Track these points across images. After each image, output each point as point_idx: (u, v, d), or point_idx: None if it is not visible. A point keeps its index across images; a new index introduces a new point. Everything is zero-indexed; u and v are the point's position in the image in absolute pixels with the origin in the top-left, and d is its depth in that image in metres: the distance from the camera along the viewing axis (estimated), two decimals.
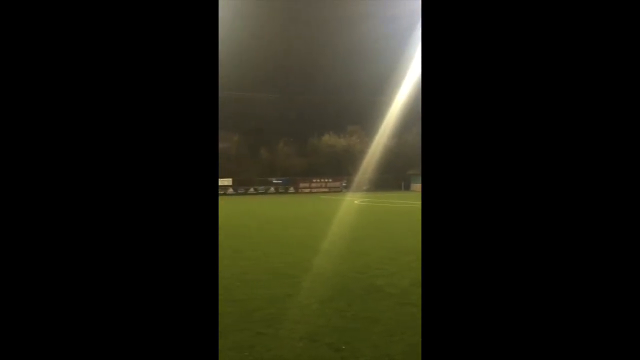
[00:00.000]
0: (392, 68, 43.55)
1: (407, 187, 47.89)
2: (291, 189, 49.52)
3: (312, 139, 58.69)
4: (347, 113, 58.47)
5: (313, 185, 50.55)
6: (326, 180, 51.35)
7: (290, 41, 62.01)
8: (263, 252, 7.98)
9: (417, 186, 43.62)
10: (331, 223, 13.40)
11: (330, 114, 58.85)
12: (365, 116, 52.03)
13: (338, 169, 53.21)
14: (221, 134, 52.29)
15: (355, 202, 26.41)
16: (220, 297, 4.83)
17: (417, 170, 42.61)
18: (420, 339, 1.72)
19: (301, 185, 50.07)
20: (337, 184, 51.22)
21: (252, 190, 48.53)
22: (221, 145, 52.20)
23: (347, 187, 49.57)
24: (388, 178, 50.09)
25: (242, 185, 48.54)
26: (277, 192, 48.94)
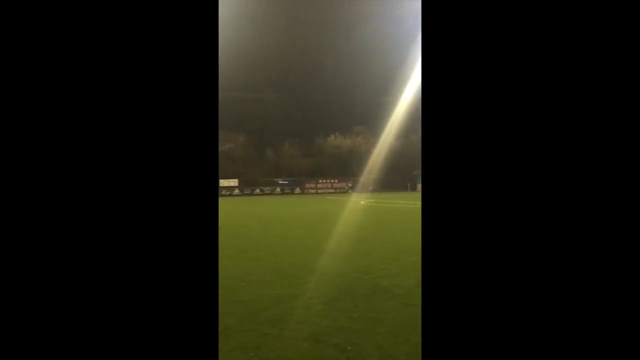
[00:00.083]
0: (398, 68, 43.47)
1: (414, 188, 47.76)
2: (297, 190, 49.55)
3: (318, 139, 58.68)
4: (353, 113, 58.41)
5: (319, 185, 50.53)
6: (332, 180, 51.32)
7: (296, 41, 62.03)
8: (268, 253, 7.99)
9: None
10: (336, 223, 13.40)
11: (336, 114, 58.80)
12: (371, 117, 51.95)
13: (344, 169, 53.18)
14: (227, 134, 52.48)
15: (361, 202, 26.39)
16: (225, 297, 4.86)
17: None
18: None
19: (307, 185, 50.08)
20: (343, 184, 51.19)
21: (257, 191, 48.60)
22: (227, 146, 52.35)
23: (352, 188, 49.53)
24: (394, 178, 49.99)
25: (248, 186, 48.63)
26: (282, 192, 48.99)
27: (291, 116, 58.78)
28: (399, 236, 10.16)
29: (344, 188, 50.59)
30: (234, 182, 47.96)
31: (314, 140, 58.54)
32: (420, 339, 3.34)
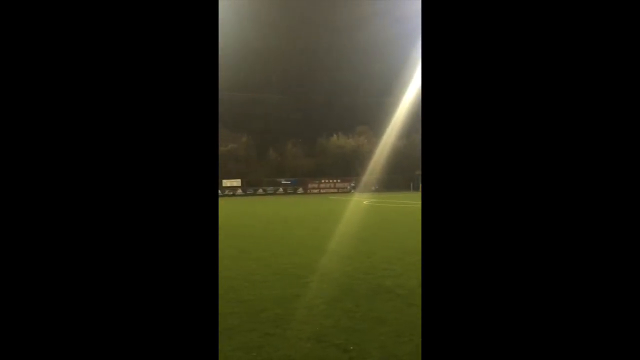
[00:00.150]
0: (401, 68, 43.45)
1: (416, 188, 47.74)
2: (300, 190, 49.59)
3: (320, 139, 58.73)
4: (355, 114, 58.44)
5: (322, 185, 50.57)
6: (335, 180, 51.36)
7: (299, 42, 62.11)
8: (271, 253, 7.99)
9: None
10: (339, 223, 13.40)
11: (338, 114, 58.86)
12: (373, 117, 51.98)
13: (347, 169, 53.21)
14: (230, 135, 52.59)
15: (364, 202, 26.39)
16: (228, 297, 4.86)
17: None
18: None
19: (310, 185, 50.12)
20: (345, 184, 51.21)
21: (260, 191, 48.66)
22: (230, 146, 52.46)
23: (355, 188, 49.55)
24: (397, 178, 49.99)
25: (251, 186, 48.70)
26: (285, 192, 49.04)
27: (294, 116, 58.88)
28: (401, 236, 10.15)
29: (347, 188, 50.60)
30: (237, 182, 48.03)
31: (316, 140, 58.59)
32: None
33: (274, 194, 48.53)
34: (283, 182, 50.50)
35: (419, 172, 47.98)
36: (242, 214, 19.06)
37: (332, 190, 50.17)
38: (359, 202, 26.49)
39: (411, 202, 23.98)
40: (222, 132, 50.07)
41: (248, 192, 47.68)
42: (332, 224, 13.06)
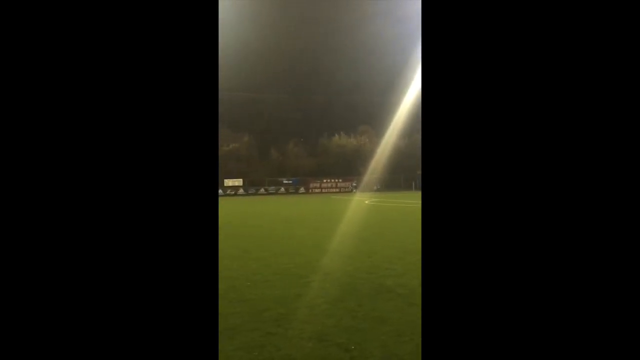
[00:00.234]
0: (403, 68, 43.43)
1: (418, 187, 47.67)
2: (301, 189, 49.59)
3: (322, 139, 58.75)
4: (357, 113, 58.44)
5: (323, 185, 50.58)
6: (336, 180, 51.36)
7: (300, 41, 62.07)
8: (272, 253, 8.00)
9: None
10: (341, 223, 13.41)
11: (340, 114, 58.85)
12: (375, 116, 51.99)
13: (348, 169, 53.21)
14: (231, 134, 52.61)
15: (366, 202, 26.38)
16: (229, 297, 4.87)
17: None
18: None
19: (311, 185, 50.13)
20: (347, 184, 51.20)
21: (262, 190, 48.68)
22: (232, 145, 52.49)
23: (357, 187, 49.52)
24: (398, 178, 49.99)
25: (252, 186, 48.74)
26: (287, 192, 49.04)
27: (295, 116, 58.89)
28: (403, 235, 10.15)
29: (349, 187, 50.60)
30: (238, 182, 48.06)
31: (318, 140, 58.61)
32: None
33: (276, 193, 48.54)
34: (285, 181, 50.52)
35: (420, 171, 47.95)
36: (244, 214, 19.07)
37: (333, 190, 50.17)
38: (361, 202, 26.48)
39: (413, 202, 23.96)
40: (224, 132, 50.14)
41: (250, 192, 47.71)
42: (333, 224, 13.07)
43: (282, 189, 49.56)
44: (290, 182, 50.53)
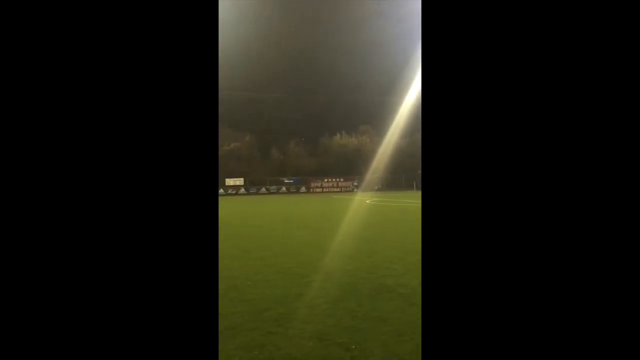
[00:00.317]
0: (404, 67, 43.42)
1: (419, 187, 47.65)
2: (303, 189, 49.61)
3: (323, 138, 58.78)
4: (358, 113, 58.46)
5: (324, 184, 50.60)
6: (338, 179, 51.38)
7: (301, 41, 62.05)
8: (273, 252, 8.01)
9: None
10: (342, 222, 13.41)
11: (341, 113, 58.87)
12: (376, 116, 52.02)
13: (349, 168, 53.23)
14: (233, 134, 52.65)
15: (367, 201, 26.37)
16: (230, 296, 4.88)
17: None
18: None
19: (313, 184, 50.15)
20: (348, 183, 51.22)
21: (263, 190, 48.70)
22: (233, 145, 52.53)
23: (358, 187, 49.53)
24: (400, 177, 49.98)
25: (253, 185, 48.78)
26: (288, 191, 49.05)
27: (296, 115, 58.90)
28: (404, 235, 10.15)
29: (350, 187, 50.60)
30: (239, 181, 48.10)
31: (319, 140, 58.65)
32: None
33: (277, 193, 48.56)
34: (286, 181, 50.54)
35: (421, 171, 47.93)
36: (245, 213, 19.08)
37: (334, 190, 50.18)
38: (362, 201, 26.48)
39: (413, 202, 23.95)
40: (225, 132, 50.18)
41: (251, 191, 47.73)
42: (334, 223, 13.07)
43: (283, 189, 49.58)
44: (292, 181, 50.54)
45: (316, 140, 58.49)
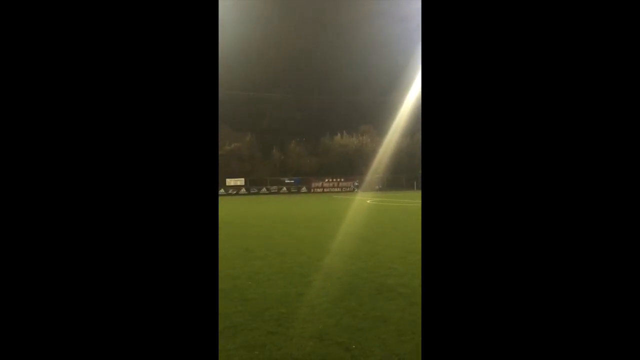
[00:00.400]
0: (404, 67, 43.41)
1: (420, 187, 47.66)
2: (303, 189, 49.62)
3: (324, 138, 58.79)
4: (359, 113, 58.44)
5: (325, 184, 50.63)
6: (338, 179, 51.40)
7: (302, 41, 62.05)
8: (274, 252, 8.01)
9: None
10: (343, 222, 13.42)
11: (342, 113, 58.88)
12: (377, 116, 52.02)
13: (350, 168, 53.25)
14: (233, 134, 52.66)
15: (368, 201, 26.37)
16: (231, 296, 4.88)
17: None
18: None
19: (313, 184, 50.17)
20: (349, 183, 51.22)
21: (264, 190, 48.72)
22: (234, 145, 52.53)
23: (359, 187, 49.53)
24: (400, 177, 49.98)
25: (254, 185, 48.79)
26: (289, 191, 49.07)
27: (297, 115, 58.90)
28: (405, 235, 10.15)
29: (351, 187, 50.60)
30: (240, 181, 48.12)
31: (320, 140, 58.66)
32: None
33: (278, 193, 48.57)
34: (287, 181, 50.56)
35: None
36: (246, 213, 19.09)
37: (335, 190, 50.19)
38: (363, 201, 26.48)
39: (414, 202, 23.95)
40: (226, 131, 50.21)
41: (252, 191, 47.75)
42: (335, 223, 13.07)
43: (284, 189, 49.60)
44: (292, 181, 50.57)
45: (317, 140, 58.52)
